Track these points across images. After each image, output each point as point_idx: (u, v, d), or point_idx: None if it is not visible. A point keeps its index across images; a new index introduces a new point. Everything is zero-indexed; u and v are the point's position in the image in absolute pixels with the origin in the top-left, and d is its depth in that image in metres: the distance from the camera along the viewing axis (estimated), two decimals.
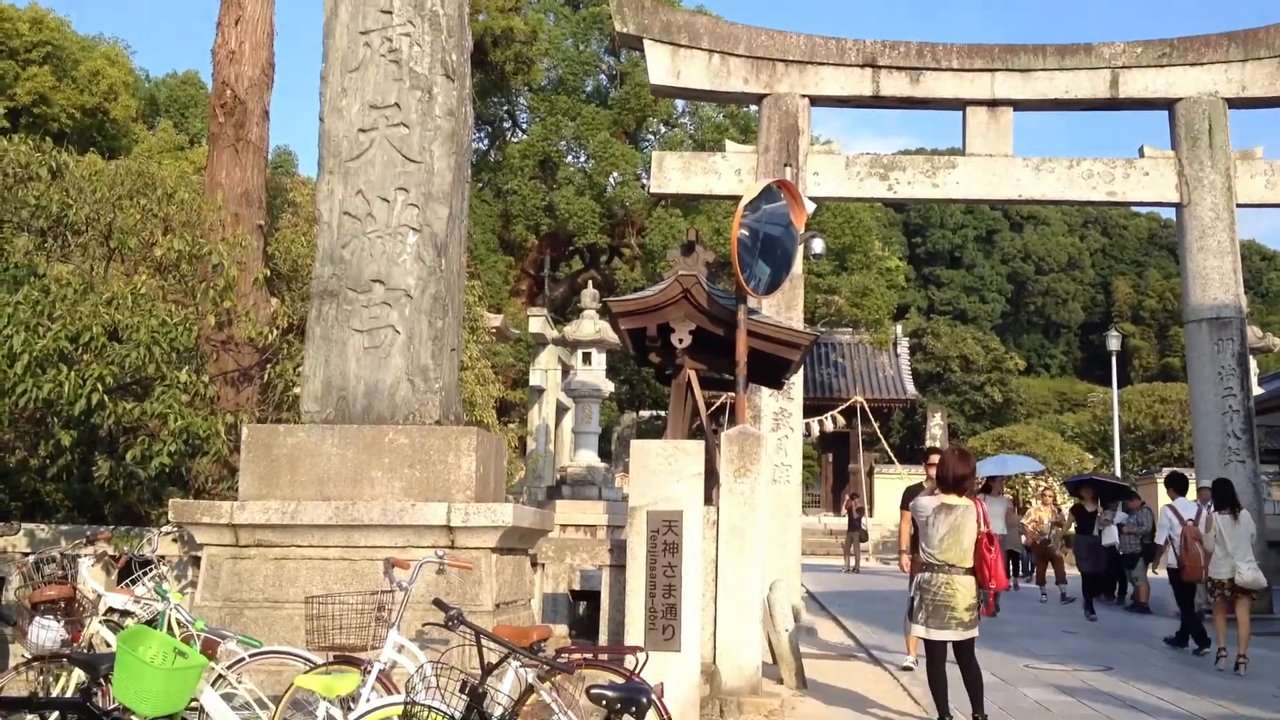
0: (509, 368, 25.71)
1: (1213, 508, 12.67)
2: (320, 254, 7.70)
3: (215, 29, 12.55)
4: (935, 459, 10.96)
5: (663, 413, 29.38)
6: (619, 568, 8.66)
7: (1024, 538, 21.57)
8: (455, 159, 7.67)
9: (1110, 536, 18.38)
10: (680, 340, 9.91)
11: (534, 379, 24.05)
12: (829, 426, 37.83)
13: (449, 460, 7.32)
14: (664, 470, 8.26)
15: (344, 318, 7.59)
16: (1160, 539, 14.88)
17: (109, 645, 6.73)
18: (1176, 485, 15.41)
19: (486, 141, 37.75)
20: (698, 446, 8.36)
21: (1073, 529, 21.00)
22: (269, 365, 11.39)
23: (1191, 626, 13.69)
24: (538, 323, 23.82)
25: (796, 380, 15.89)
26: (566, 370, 23.71)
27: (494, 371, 17.10)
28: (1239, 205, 17.16)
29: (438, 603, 5.69)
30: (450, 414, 7.66)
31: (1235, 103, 17.33)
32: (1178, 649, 13.70)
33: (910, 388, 43.46)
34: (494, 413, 15.43)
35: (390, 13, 7.62)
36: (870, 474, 40.23)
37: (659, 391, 34.51)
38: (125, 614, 7.06)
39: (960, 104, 17.54)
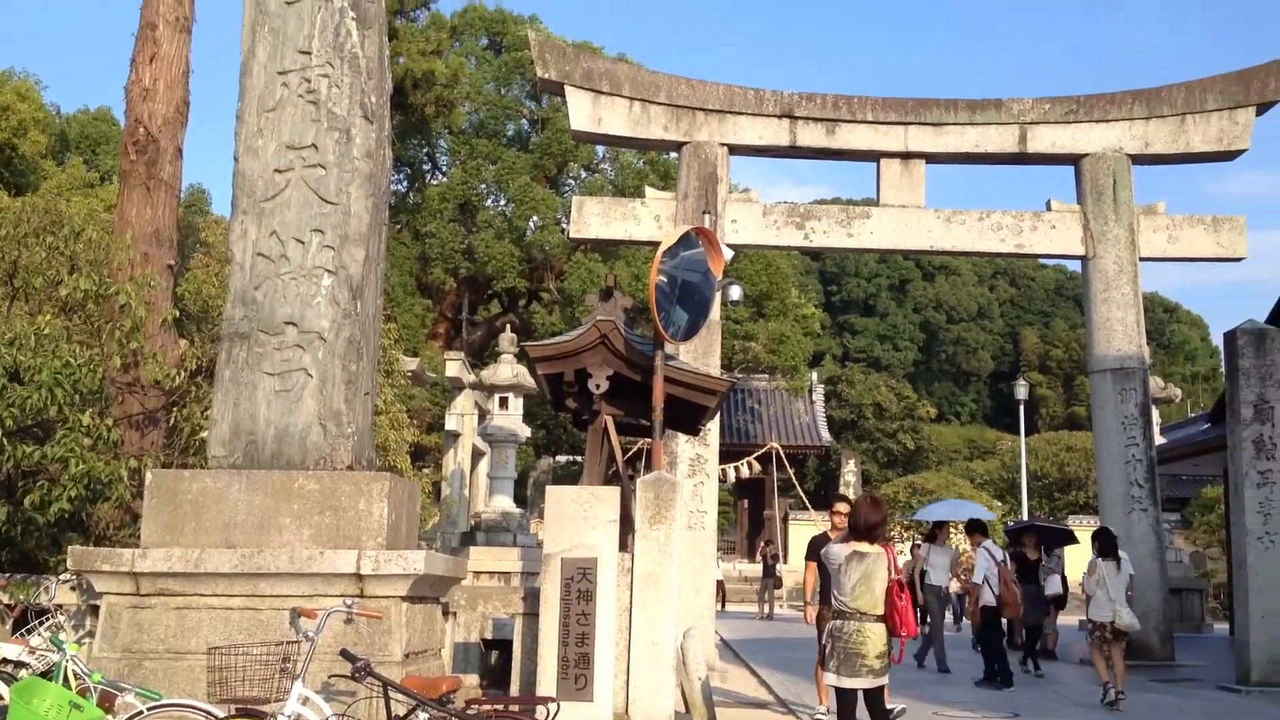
0: (425, 412, 25.45)
1: (1097, 555, 13.40)
2: (232, 295, 7.56)
3: (130, 65, 12.35)
4: (840, 507, 11.06)
5: (580, 458, 29.27)
6: (532, 616, 8.57)
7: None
8: (373, 201, 7.60)
9: (1054, 586, 17.96)
10: (597, 386, 9.89)
11: (450, 423, 23.81)
12: (745, 473, 37.99)
13: (360, 506, 7.19)
14: (579, 517, 8.21)
15: (255, 360, 7.44)
16: (977, 579, 15.39)
17: (1, 698, 6.47)
18: (980, 530, 16.59)
19: (406, 183, 37.56)
20: (613, 493, 8.33)
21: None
22: (176, 408, 11.13)
23: (1000, 666, 14.32)
24: (455, 366, 23.64)
25: (713, 426, 15.95)
26: (483, 415, 23.52)
27: (409, 416, 16.91)
28: (1142, 259, 17.66)
29: (345, 653, 5.57)
30: (363, 459, 7.54)
31: (1139, 159, 17.88)
32: (990, 687, 14.18)
33: (825, 434, 43.90)
34: (408, 458, 15.23)
35: (309, 54, 7.56)
36: (785, 520, 40.45)
37: (576, 437, 34.42)
38: (19, 665, 6.82)
39: (875, 155, 17.88)
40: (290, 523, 7.15)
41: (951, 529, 19.55)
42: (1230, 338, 15.10)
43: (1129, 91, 18.01)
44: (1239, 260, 18.04)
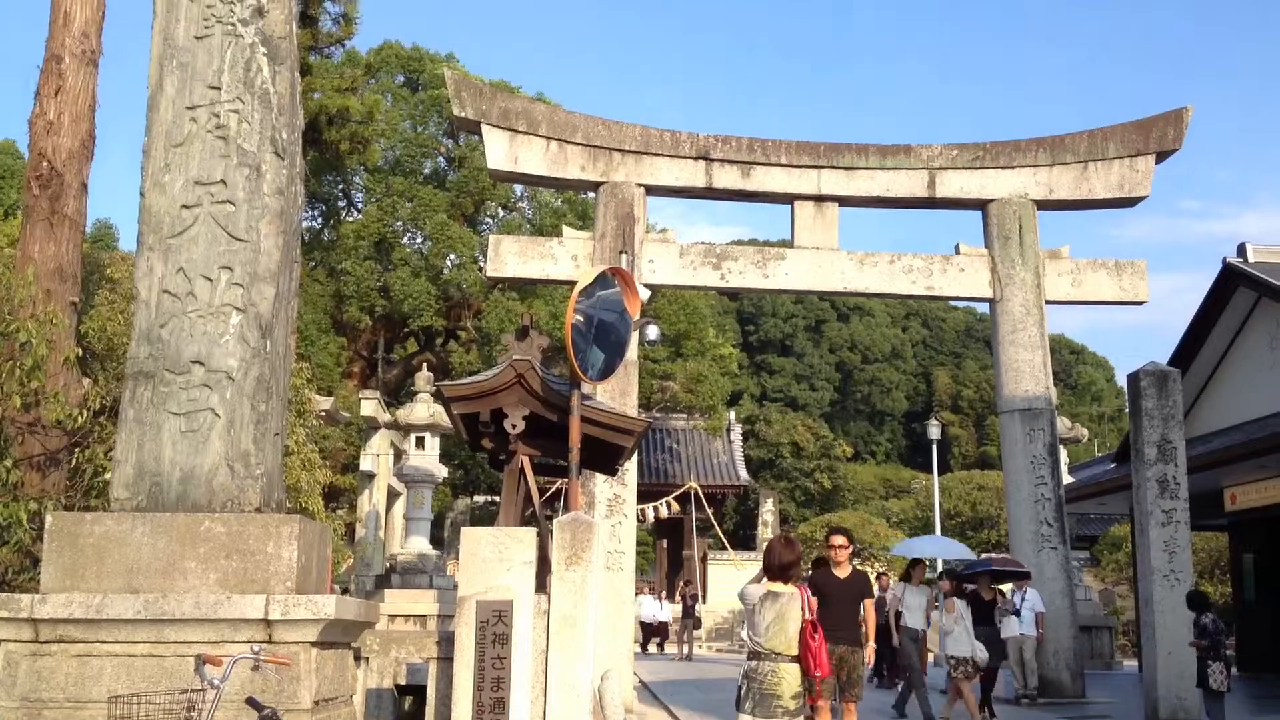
0: (339, 452, 25.05)
1: (952, 593, 14.23)
2: (137, 333, 7.38)
3: (34, 99, 12.07)
4: (836, 540, 11.30)
5: (498, 498, 29.00)
6: (447, 660, 8.43)
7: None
8: (284, 238, 7.49)
9: (1011, 628, 16.49)
10: (514, 426, 9.83)
11: (365, 464, 23.47)
12: (664, 512, 37.96)
13: (269, 550, 7.02)
14: (494, 559, 8.12)
15: (160, 400, 7.26)
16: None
17: None
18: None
19: (320, 220, 37.16)
20: (529, 534, 8.26)
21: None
22: (78, 449, 10.81)
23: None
24: (370, 406, 23.34)
25: (631, 466, 15.91)
26: (399, 455, 23.23)
27: (323, 456, 16.63)
28: (1048, 301, 18.03)
29: (251, 701, 5.42)
30: (272, 501, 7.38)
31: (1044, 204, 18.30)
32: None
33: (743, 474, 44.06)
34: (320, 499, 14.96)
35: (219, 89, 7.45)
36: (704, 560, 40.45)
37: (494, 476, 34.12)
38: None
39: (789, 198, 18.10)
40: (196, 567, 6.96)
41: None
42: (1134, 379, 15.48)
43: (1034, 139, 18.46)
44: (1141, 304, 18.52)
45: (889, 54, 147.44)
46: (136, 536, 6.98)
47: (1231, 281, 21.54)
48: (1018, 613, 16.53)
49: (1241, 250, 21.63)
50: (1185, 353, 22.61)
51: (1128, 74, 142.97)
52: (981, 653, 13.67)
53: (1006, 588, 18.25)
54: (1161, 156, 18.37)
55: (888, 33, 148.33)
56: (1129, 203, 18.67)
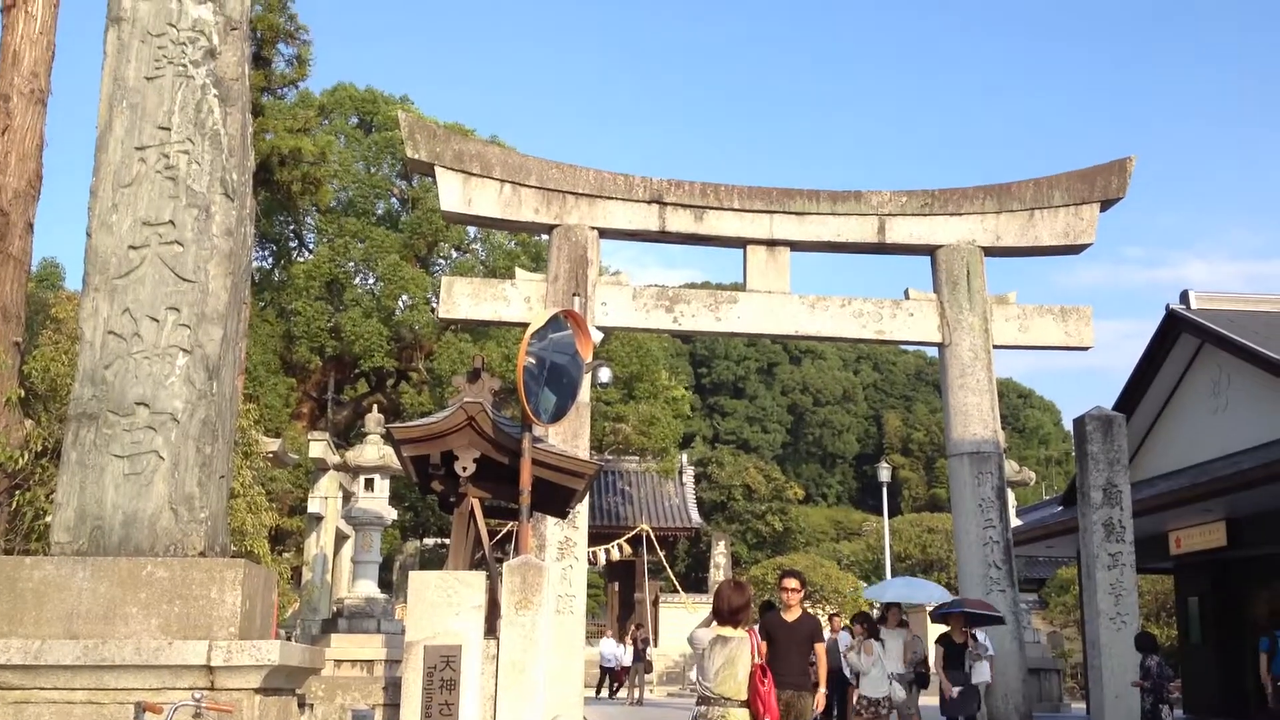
0: (287, 494, 24.76)
1: (867, 635, 14.33)
2: (81, 374, 7.28)
3: None
4: (788, 583, 11.22)
5: (448, 541, 28.80)
6: (393, 707, 8.33)
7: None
8: (232, 279, 7.43)
9: (982, 674, 15.29)
10: (464, 468, 9.78)
11: (313, 506, 23.22)
12: (615, 555, 37.81)
13: (212, 595, 6.91)
14: (443, 603, 8.05)
15: (103, 442, 7.15)
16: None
17: None
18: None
19: (271, 260, 36.92)
20: (478, 578, 8.20)
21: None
22: (19, 492, 10.61)
23: None
24: (319, 447, 23.12)
25: (582, 508, 15.86)
26: (348, 497, 23.00)
27: (270, 499, 16.42)
28: (995, 346, 18.24)
29: None
30: (216, 545, 7.27)
31: (991, 251, 18.57)
32: None
33: (695, 516, 44.04)
34: (266, 543, 14.76)
35: (169, 129, 7.41)
36: (655, 603, 40.28)
37: (445, 519, 33.84)
38: None
39: (741, 242, 18.25)
40: (137, 612, 6.83)
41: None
42: (1080, 424, 15.69)
43: (981, 187, 18.76)
44: (1086, 349, 18.79)
45: (838, 101, 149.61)
46: (77, 581, 6.84)
47: (1175, 328, 21.93)
48: (991, 657, 15.67)
49: (1184, 297, 22.04)
50: (1130, 397, 22.96)
51: (1073, 123, 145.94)
52: (899, 693, 13.67)
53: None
54: (1106, 205, 18.71)
55: (837, 80, 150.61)
56: (1074, 250, 18.99)
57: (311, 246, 36.62)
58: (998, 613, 16.03)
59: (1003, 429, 18.75)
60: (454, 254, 36.85)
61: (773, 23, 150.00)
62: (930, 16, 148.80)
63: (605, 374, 24.10)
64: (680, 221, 18.04)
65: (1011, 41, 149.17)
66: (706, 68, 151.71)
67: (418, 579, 8.17)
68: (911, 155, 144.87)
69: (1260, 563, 21.58)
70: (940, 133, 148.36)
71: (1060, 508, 26.42)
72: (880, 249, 18.72)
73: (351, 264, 34.09)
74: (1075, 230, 18.54)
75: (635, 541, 38.67)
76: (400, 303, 33.67)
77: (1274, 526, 19.28)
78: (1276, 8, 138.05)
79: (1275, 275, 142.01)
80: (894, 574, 40.61)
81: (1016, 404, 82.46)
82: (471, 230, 35.18)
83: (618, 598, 43.94)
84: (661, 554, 39.21)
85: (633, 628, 33.61)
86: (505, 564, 8.87)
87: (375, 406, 25.39)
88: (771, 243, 18.14)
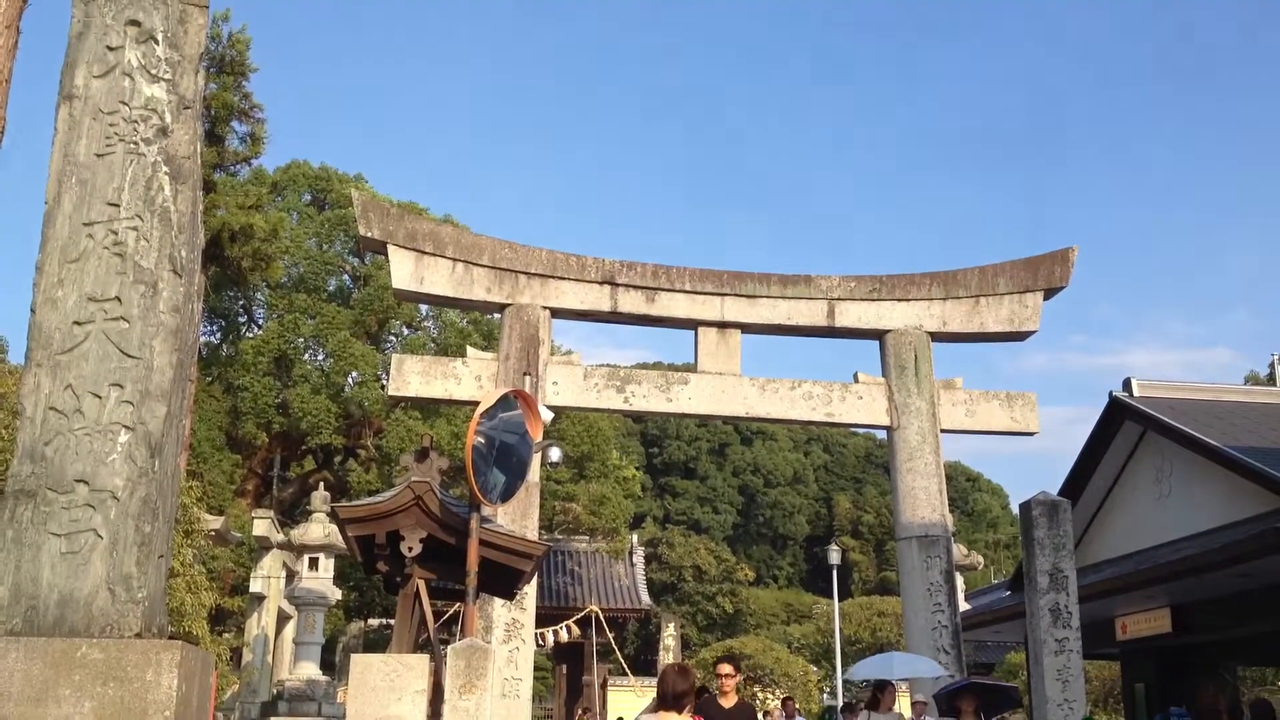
0: (228, 573, 24.29)
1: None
2: (20, 451, 7.15)
3: None
4: (723, 668, 11.04)
5: (393, 622, 28.28)
6: None
7: None
8: (178, 355, 7.38)
9: None
10: (410, 549, 9.68)
11: (255, 585, 22.76)
12: (564, 637, 37.32)
13: (148, 678, 6.74)
14: (386, 686, 7.91)
15: (41, 520, 7.01)
16: None
17: None
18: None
19: (219, 335, 36.61)
20: (422, 661, 8.08)
21: None
22: None
23: None
24: (263, 525, 22.74)
25: (530, 589, 15.70)
26: (291, 576, 22.58)
27: (211, 578, 16.12)
28: (943, 430, 18.42)
29: None
30: (154, 626, 7.12)
31: (938, 336, 18.82)
32: None
33: (645, 597, 43.66)
34: (205, 623, 14.45)
35: (118, 205, 7.39)
36: (604, 686, 39.72)
37: (390, 599, 33.29)
38: None
39: (693, 324, 18.38)
40: (70, 694, 6.65)
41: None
42: (1026, 509, 15.79)
43: (928, 273, 19.07)
44: (1032, 434, 19.01)
45: (788, 185, 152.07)
46: (9, 662, 6.66)
47: (1118, 415, 22.24)
48: None
49: (1127, 385, 22.39)
50: (1076, 483, 23.17)
51: (1019, 212, 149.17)
52: None
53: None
54: (1049, 293, 19.06)
55: (786, 163, 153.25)
56: (1019, 336, 19.29)
57: (261, 322, 36.39)
58: (1011, 685, 14.42)
59: (951, 512, 18.87)
60: (405, 331, 36.75)
61: (722, 108, 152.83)
62: (874, 108, 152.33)
63: (556, 453, 24.01)
64: (632, 302, 18.16)
65: (958, 131, 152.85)
66: (659, 150, 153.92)
67: (360, 662, 8.03)
68: (858, 240, 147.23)
69: (1204, 649, 21.70)
70: (887, 218, 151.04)
71: (1008, 592, 26.47)
72: (830, 332, 18.92)
73: (301, 340, 33.88)
74: (1020, 317, 18.85)
75: (584, 623, 38.22)
76: (350, 379, 33.45)
77: (1217, 613, 19.44)
78: (1199, 103, 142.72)
79: (1212, 364, 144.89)
80: (843, 658, 40.35)
81: (965, 487, 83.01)
82: (423, 308, 35.15)
83: (565, 680, 43.28)
84: (611, 635, 38.76)
85: (580, 711, 33.12)
86: (450, 647, 8.74)
87: (322, 484, 25.06)
88: (722, 324, 18.28)
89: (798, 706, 28.40)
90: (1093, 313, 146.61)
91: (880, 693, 14.43)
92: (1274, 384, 30.42)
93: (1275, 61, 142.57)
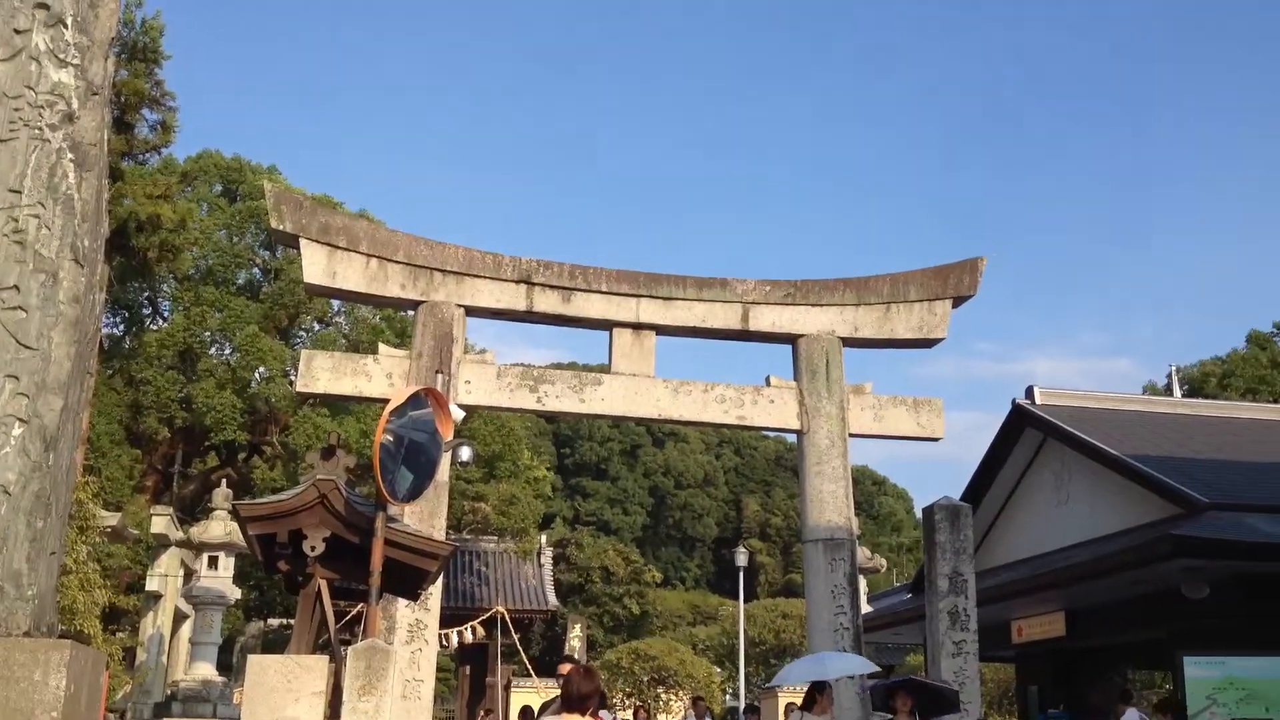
0: (124, 571, 23.67)
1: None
2: None
3: None
4: (565, 668, 10.93)
5: (294, 621, 27.78)
6: None
7: None
8: (77, 348, 7.18)
9: None
10: (312, 548, 9.53)
11: (151, 584, 22.23)
12: (468, 638, 37.02)
13: (35, 678, 6.56)
14: (283, 688, 7.78)
15: None
16: None
17: None
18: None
19: (122, 327, 35.68)
20: (321, 662, 7.96)
21: None
22: None
23: None
24: (161, 522, 22.21)
25: (435, 590, 15.55)
26: (190, 574, 22.11)
27: (106, 575, 15.71)
28: (852, 434, 18.61)
29: None
30: (43, 625, 6.92)
31: (849, 342, 19.00)
32: None
33: (552, 598, 43.52)
34: (98, 621, 14.08)
35: (20, 192, 7.17)
36: (508, 687, 39.50)
37: (292, 599, 32.73)
38: None
39: (608, 324, 18.35)
40: None
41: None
42: (928, 513, 16.09)
43: (841, 279, 19.26)
44: (937, 439, 19.33)
45: (704, 190, 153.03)
46: None
47: (1020, 422, 22.76)
48: None
49: (1029, 393, 22.92)
50: (978, 488, 23.67)
51: (930, 221, 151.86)
52: None
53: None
54: (958, 301, 19.38)
55: (703, 168, 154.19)
56: (928, 343, 19.59)
57: (166, 315, 35.57)
58: (952, 688, 13.93)
59: (857, 515, 19.09)
60: (317, 326, 36.20)
61: (641, 110, 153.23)
62: (795, 115, 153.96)
63: (466, 453, 23.85)
64: (548, 302, 18.09)
65: (875, 141, 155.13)
66: (578, 150, 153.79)
67: (257, 662, 7.89)
68: (775, 244, 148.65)
69: (1096, 654, 22.31)
70: (804, 223, 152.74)
71: (909, 595, 26.94)
72: (744, 336, 19.03)
73: (208, 334, 33.18)
74: (929, 325, 19.15)
75: (490, 624, 37.95)
76: (257, 375, 32.84)
77: (1109, 618, 19.99)
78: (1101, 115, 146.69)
79: (1114, 373, 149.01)
80: (747, 660, 40.66)
81: (871, 491, 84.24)
82: (336, 303, 34.67)
83: (469, 682, 42.94)
84: (516, 637, 38.53)
85: (482, 713, 32.88)
86: (350, 648, 8.63)
87: (224, 481, 24.54)
88: (637, 326, 18.29)
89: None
90: (1000, 321, 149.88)
91: (819, 694, 14.03)
92: (1171, 394, 31.44)
93: (1193, 74, 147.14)
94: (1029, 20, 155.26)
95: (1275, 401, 37.75)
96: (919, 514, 17.13)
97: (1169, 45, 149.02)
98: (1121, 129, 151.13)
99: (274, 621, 38.71)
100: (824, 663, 14.95)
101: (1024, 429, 22.79)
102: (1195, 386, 44.83)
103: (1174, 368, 34.79)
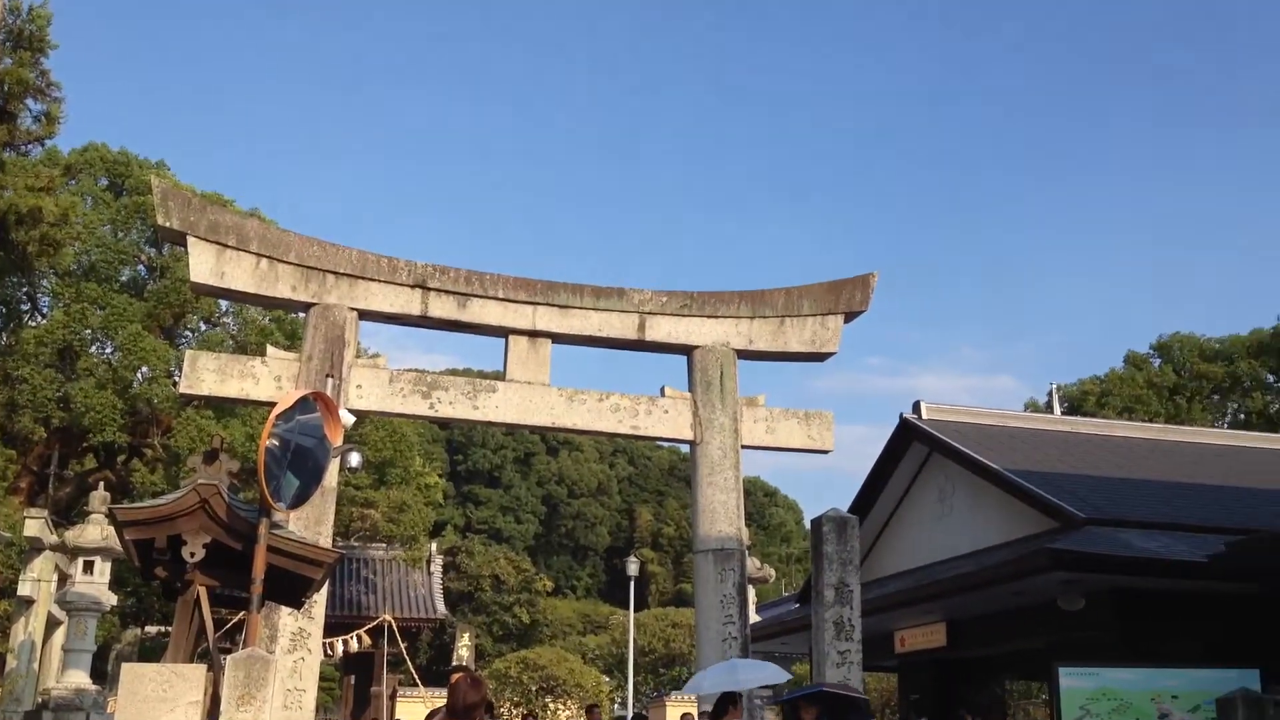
0: None
1: None
2: None
3: None
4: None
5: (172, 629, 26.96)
6: None
7: None
8: None
9: None
10: (192, 554, 9.28)
11: (23, 588, 21.42)
12: (354, 646, 36.39)
13: None
14: (157, 697, 7.56)
15: None
16: None
17: None
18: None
19: None
20: (197, 671, 7.76)
21: None
22: None
23: None
24: (35, 525, 21.42)
25: (320, 598, 15.28)
26: (64, 579, 21.36)
27: None
28: (744, 446, 18.77)
29: None
30: None
31: (744, 354, 19.19)
32: None
33: (441, 607, 43.05)
34: None
35: None
36: (393, 697, 38.94)
37: (171, 606, 31.80)
38: None
39: (504, 332, 18.26)
40: None
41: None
42: (816, 524, 16.29)
43: (737, 292, 19.44)
44: (827, 452, 19.61)
45: (602, 197, 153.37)
46: None
47: (907, 436, 23.21)
48: None
49: (916, 408, 23.40)
50: (865, 500, 24.07)
51: (823, 238, 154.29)
52: None
53: None
54: (850, 316, 19.68)
55: (599, 177, 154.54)
56: (820, 357, 19.87)
57: (46, 311, 34.35)
58: (863, 698, 13.84)
59: (749, 526, 19.27)
60: (203, 327, 35.31)
61: (543, 116, 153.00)
62: (694, 126, 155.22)
63: (355, 459, 23.38)
64: (443, 308, 17.93)
65: (770, 153, 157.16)
66: (476, 156, 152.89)
67: (132, 671, 7.65)
68: (670, 255, 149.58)
69: (975, 664, 22.82)
70: (699, 235, 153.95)
71: (797, 605, 27.25)
72: (640, 346, 19.09)
73: (89, 331, 32.11)
74: (821, 339, 19.42)
75: (376, 632, 37.40)
76: (139, 375, 31.90)
77: (989, 629, 20.45)
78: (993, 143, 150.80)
79: (998, 390, 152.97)
80: (636, 669, 40.75)
81: (763, 502, 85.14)
82: (224, 304, 33.87)
83: (353, 691, 42.22)
84: (403, 645, 38.05)
85: None
86: (229, 657, 8.42)
87: (102, 484, 23.76)
88: (534, 334, 18.23)
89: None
90: (891, 337, 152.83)
91: (731, 704, 13.38)
92: (1052, 412, 32.38)
93: (1090, 90, 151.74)
94: (945, 38, 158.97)
95: (1151, 420, 39.17)
96: (809, 525, 17.29)
97: (1052, 65, 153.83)
98: (1024, 133, 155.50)
99: (151, 629, 37.57)
100: (737, 671, 14.72)
101: (910, 443, 23.25)
102: (1075, 404, 46.32)
103: (1055, 386, 35.84)
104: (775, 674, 14.89)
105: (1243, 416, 46.68)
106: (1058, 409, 33.60)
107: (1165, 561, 15.85)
